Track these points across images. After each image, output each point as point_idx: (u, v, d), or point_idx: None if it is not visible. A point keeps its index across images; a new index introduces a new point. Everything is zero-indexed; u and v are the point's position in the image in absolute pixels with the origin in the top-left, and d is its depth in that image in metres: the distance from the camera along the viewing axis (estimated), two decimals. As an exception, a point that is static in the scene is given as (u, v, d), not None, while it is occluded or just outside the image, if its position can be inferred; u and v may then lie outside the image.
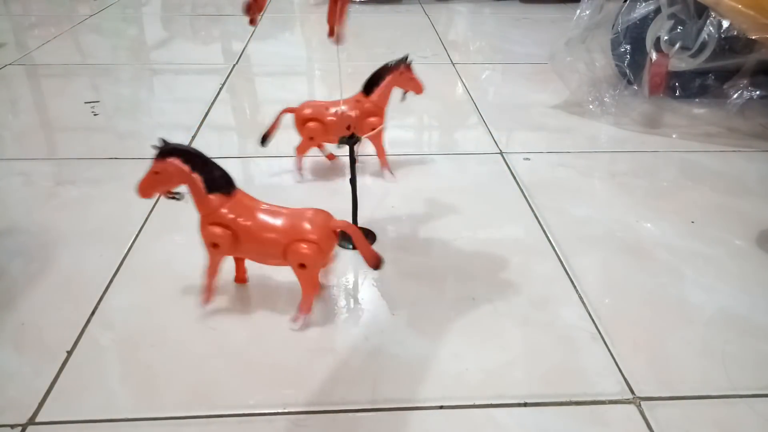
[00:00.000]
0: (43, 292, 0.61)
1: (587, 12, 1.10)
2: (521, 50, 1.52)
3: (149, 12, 1.91)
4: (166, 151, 0.53)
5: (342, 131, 0.78)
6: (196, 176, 0.54)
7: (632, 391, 0.51)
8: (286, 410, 0.48)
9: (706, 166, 0.92)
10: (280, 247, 0.54)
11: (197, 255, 0.68)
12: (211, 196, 0.54)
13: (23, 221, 0.75)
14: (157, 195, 0.56)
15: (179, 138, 0.95)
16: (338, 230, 0.55)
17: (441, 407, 0.49)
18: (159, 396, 0.49)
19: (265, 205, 0.56)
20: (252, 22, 0.52)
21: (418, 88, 0.80)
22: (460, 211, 0.78)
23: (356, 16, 1.80)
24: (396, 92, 0.80)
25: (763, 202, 0.82)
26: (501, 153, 0.94)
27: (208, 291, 0.59)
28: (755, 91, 1.00)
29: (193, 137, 0.96)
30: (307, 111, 0.79)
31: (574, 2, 1.14)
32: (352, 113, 0.78)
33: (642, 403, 0.50)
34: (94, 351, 0.54)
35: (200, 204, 0.55)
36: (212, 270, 0.58)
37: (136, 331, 0.57)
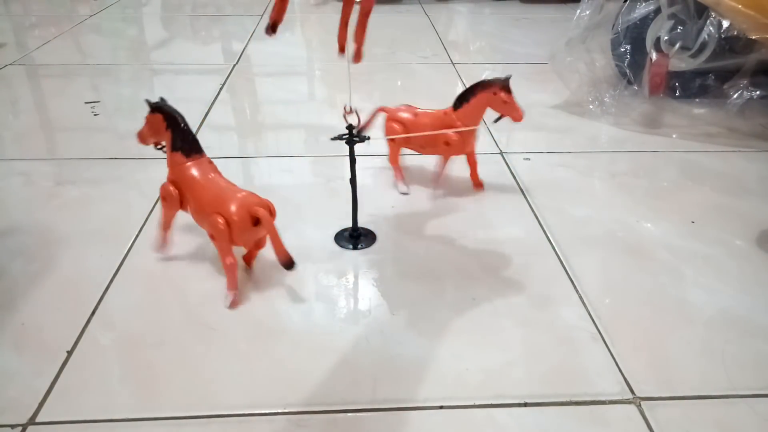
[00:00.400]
0: (43, 292, 0.61)
1: (587, 12, 1.10)
2: (521, 50, 1.52)
3: (149, 12, 1.91)
4: (155, 107, 0.63)
5: (422, 141, 0.78)
6: (168, 133, 0.63)
7: (632, 391, 0.51)
8: (286, 410, 0.48)
9: (706, 166, 0.92)
10: (204, 215, 0.60)
11: (197, 255, 0.68)
12: (175, 154, 0.63)
13: (23, 221, 0.75)
14: (152, 143, 0.65)
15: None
16: (255, 216, 0.58)
17: (441, 407, 0.49)
18: (159, 396, 0.49)
19: (216, 176, 0.63)
20: (273, 29, 0.51)
21: (514, 114, 0.73)
22: (460, 211, 0.78)
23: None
24: (491, 114, 0.76)
25: (763, 202, 0.82)
26: (501, 153, 0.94)
27: (162, 240, 0.67)
28: (755, 91, 1.00)
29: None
30: (401, 114, 0.78)
31: (574, 2, 1.14)
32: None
33: (642, 403, 0.50)
34: (94, 351, 0.54)
35: (168, 158, 0.64)
36: (164, 223, 0.66)
37: (136, 331, 0.57)
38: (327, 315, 0.59)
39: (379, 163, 0.88)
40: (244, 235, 0.59)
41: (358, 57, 0.56)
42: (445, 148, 0.78)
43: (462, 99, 0.76)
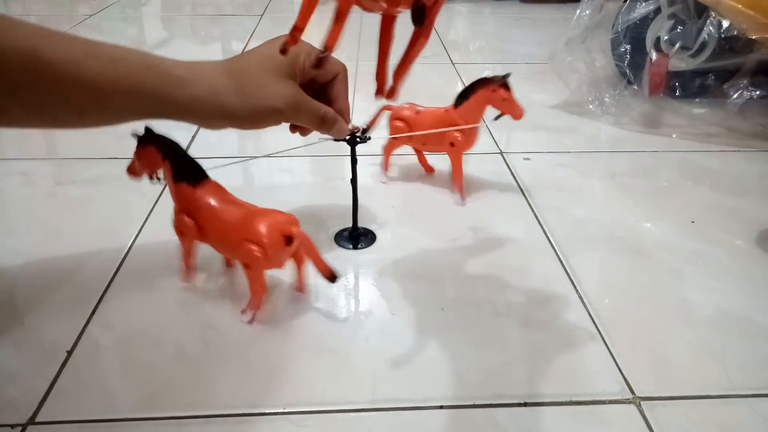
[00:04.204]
0: (43, 292, 0.61)
1: (587, 12, 1.10)
2: (521, 50, 1.52)
3: (149, 12, 1.91)
4: (145, 138, 0.58)
5: (424, 138, 0.78)
6: (167, 163, 0.58)
7: (632, 391, 0.51)
8: (286, 410, 0.48)
9: (706, 166, 0.92)
10: (232, 245, 0.56)
11: (197, 255, 0.68)
12: (180, 185, 0.58)
13: (23, 221, 0.75)
14: (145, 175, 0.60)
15: (179, 138, 0.95)
16: (288, 236, 0.54)
17: (441, 407, 0.49)
18: (159, 396, 0.49)
19: (230, 199, 0.58)
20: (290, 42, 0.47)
21: (514, 111, 0.72)
22: (460, 210, 0.78)
23: (356, 16, 1.80)
24: (491, 111, 0.75)
25: (763, 202, 0.82)
26: (501, 153, 0.94)
27: (186, 271, 0.63)
28: (755, 91, 1.00)
29: (194, 137, 0.96)
30: (404, 112, 0.79)
31: (574, 2, 1.14)
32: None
33: (642, 403, 0.50)
34: (94, 351, 0.54)
35: (171, 191, 0.59)
36: (185, 254, 0.62)
37: (136, 331, 0.57)
38: (327, 315, 0.59)
39: (380, 162, 0.89)
40: (279, 257, 0.55)
41: (394, 94, 0.53)
42: (450, 147, 0.78)
43: (462, 97, 0.76)
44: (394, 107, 0.79)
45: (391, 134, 0.80)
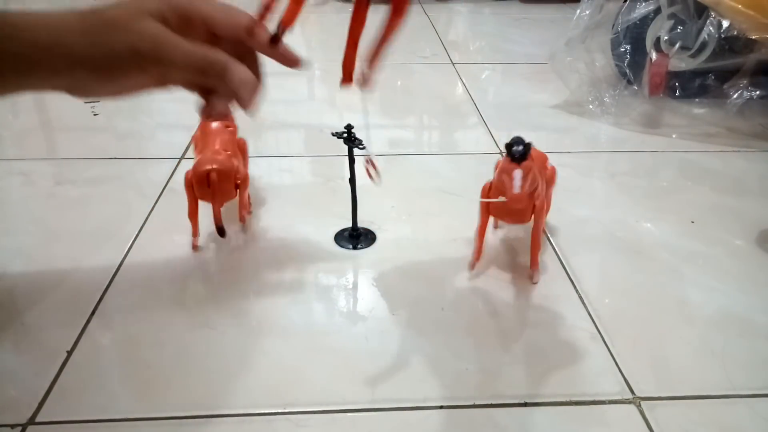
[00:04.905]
0: (43, 292, 0.61)
1: (587, 12, 1.10)
2: (521, 50, 1.52)
3: (149, 12, 1.91)
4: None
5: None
6: None
7: (632, 391, 0.51)
8: (286, 410, 0.48)
9: (705, 166, 0.92)
10: None
11: (197, 255, 0.68)
12: None
13: (23, 221, 0.75)
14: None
15: (179, 138, 0.95)
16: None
17: (441, 407, 0.49)
18: (159, 396, 0.49)
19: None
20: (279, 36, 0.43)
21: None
22: (459, 210, 0.78)
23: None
24: None
25: (763, 202, 0.82)
26: (501, 153, 0.94)
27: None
28: (755, 91, 1.00)
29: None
30: None
31: (574, 2, 1.14)
32: None
33: (642, 403, 0.50)
34: (94, 351, 0.54)
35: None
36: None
37: (136, 331, 0.57)
38: (327, 315, 0.59)
39: (380, 163, 0.89)
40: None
41: (368, 82, 0.46)
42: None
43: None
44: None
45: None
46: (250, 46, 0.44)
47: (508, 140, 0.54)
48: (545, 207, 0.66)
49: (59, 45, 0.39)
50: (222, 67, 0.41)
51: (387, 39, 0.45)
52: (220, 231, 0.65)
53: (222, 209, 0.65)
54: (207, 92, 0.45)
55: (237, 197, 0.67)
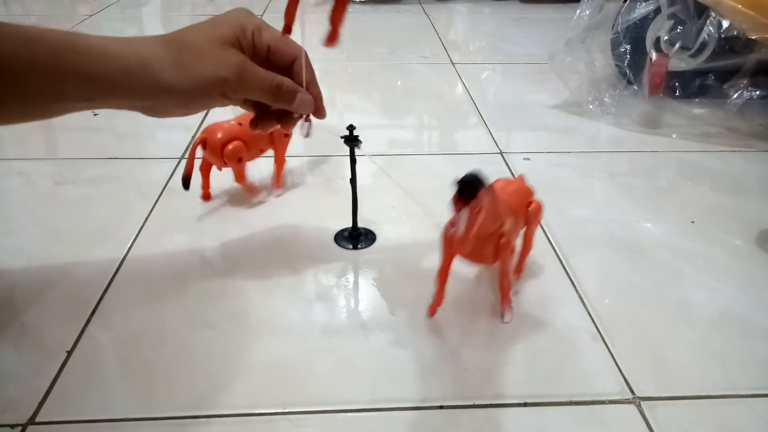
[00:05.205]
0: (43, 292, 0.61)
1: (587, 12, 1.10)
2: (521, 50, 1.52)
3: (149, 12, 1.91)
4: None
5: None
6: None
7: (632, 391, 0.51)
8: (286, 410, 0.48)
9: (705, 166, 0.92)
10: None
11: (197, 255, 0.68)
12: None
13: (23, 221, 0.75)
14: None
15: (179, 138, 0.95)
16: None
17: (441, 407, 0.49)
18: (159, 396, 0.49)
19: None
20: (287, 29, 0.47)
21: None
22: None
23: (356, 16, 1.80)
24: None
25: (763, 202, 0.82)
26: (501, 153, 0.94)
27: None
28: (755, 91, 1.00)
29: (193, 137, 0.96)
30: None
31: (574, 2, 1.14)
32: None
33: (642, 403, 0.50)
34: (94, 351, 0.54)
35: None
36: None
37: (136, 331, 0.57)
38: (327, 315, 0.59)
39: (380, 163, 0.89)
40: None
41: (332, 39, 0.49)
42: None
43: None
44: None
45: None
46: (297, 73, 0.51)
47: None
48: (526, 247, 0.62)
49: (151, 75, 0.42)
50: (292, 93, 0.49)
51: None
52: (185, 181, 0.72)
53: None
54: (261, 108, 0.51)
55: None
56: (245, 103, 0.51)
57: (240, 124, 0.73)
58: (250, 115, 0.52)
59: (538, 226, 0.64)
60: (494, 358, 0.54)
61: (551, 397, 0.50)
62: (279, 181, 0.82)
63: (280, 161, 0.81)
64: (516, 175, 0.87)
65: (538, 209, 0.60)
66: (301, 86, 0.51)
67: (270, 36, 0.48)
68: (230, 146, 0.71)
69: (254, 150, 0.75)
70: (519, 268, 0.63)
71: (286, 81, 0.48)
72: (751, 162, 0.94)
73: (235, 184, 0.78)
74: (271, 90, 0.47)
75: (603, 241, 0.72)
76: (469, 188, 0.45)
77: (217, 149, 0.71)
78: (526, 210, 0.59)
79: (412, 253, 0.69)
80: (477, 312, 0.60)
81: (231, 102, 0.48)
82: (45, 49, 0.39)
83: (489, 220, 0.48)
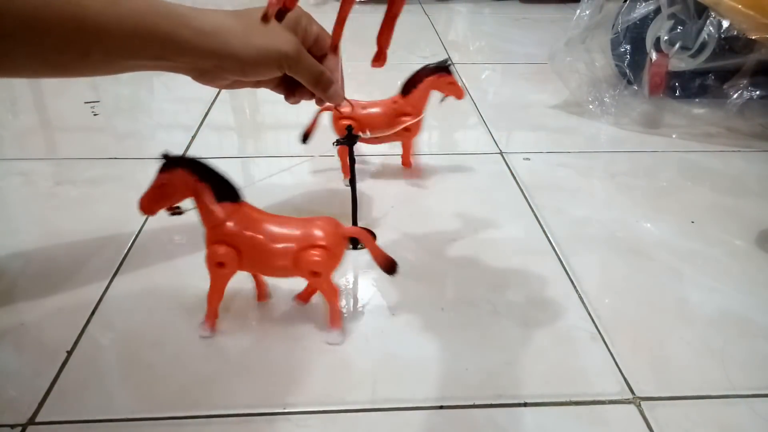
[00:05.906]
0: (43, 292, 0.61)
1: (587, 12, 1.10)
2: (521, 50, 1.52)
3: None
4: (171, 162, 0.50)
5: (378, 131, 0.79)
6: (205, 185, 0.50)
7: (632, 391, 0.51)
8: (286, 410, 0.48)
9: (705, 166, 0.92)
10: (290, 257, 0.52)
11: (197, 255, 0.68)
12: (224, 204, 0.51)
13: (23, 221, 0.75)
14: (166, 207, 0.53)
15: (179, 138, 0.95)
16: (348, 236, 0.54)
17: (441, 407, 0.49)
18: (159, 396, 0.49)
19: (268, 214, 0.54)
20: (277, 16, 0.49)
21: (458, 94, 0.80)
22: (459, 211, 0.78)
23: (356, 16, 1.80)
24: (436, 95, 0.80)
25: (763, 202, 0.82)
26: (501, 153, 0.94)
27: (213, 317, 0.56)
28: (755, 91, 1.00)
29: (193, 137, 0.96)
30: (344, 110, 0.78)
31: (574, 2, 1.14)
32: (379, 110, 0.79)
33: (642, 403, 0.50)
34: (94, 351, 0.54)
35: (206, 219, 0.52)
36: (217, 295, 0.55)
37: (136, 331, 0.57)
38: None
39: (379, 163, 0.89)
40: (340, 259, 0.54)
41: (380, 59, 0.56)
42: (406, 134, 0.80)
43: (410, 85, 0.79)
44: (332, 107, 0.75)
45: (338, 134, 0.77)
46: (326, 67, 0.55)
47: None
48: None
49: (222, 39, 0.46)
50: (329, 84, 0.53)
51: (395, 16, 0.55)
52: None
53: None
54: (290, 92, 0.56)
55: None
56: (278, 85, 0.56)
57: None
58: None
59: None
60: (494, 358, 0.54)
61: (551, 397, 0.50)
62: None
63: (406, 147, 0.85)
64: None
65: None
66: (335, 73, 0.56)
67: (318, 29, 0.54)
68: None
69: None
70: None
71: (327, 73, 0.53)
72: (751, 162, 0.94)
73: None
74: (316, 75, 0.52)
75: (603, 241, 0.72)
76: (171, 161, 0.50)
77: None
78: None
79: (412, 253, 0.69)
80: (477, 312, 0.60)
81: (269, 82, 0.54)
82: (128, 10, 0.43)
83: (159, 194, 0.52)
